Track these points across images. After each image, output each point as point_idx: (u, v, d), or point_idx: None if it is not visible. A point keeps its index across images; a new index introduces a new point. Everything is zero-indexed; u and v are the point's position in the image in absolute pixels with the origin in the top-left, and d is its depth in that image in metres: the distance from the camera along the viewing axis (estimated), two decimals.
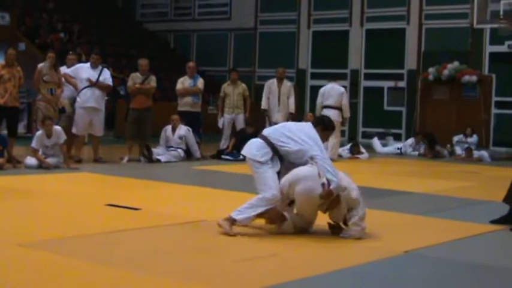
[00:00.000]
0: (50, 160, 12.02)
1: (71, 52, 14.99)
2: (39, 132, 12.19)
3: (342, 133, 22.20)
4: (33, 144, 12.05)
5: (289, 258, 6.02)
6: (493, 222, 7.55)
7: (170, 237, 6.86)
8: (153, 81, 14.07)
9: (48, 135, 12.06)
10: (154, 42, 28.24)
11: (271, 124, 15.77)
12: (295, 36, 25.28)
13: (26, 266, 5.47)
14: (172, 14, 29.20)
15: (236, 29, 26.81)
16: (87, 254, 5.90)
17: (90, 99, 13.24)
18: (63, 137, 12.19)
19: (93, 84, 13.25)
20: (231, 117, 15.84)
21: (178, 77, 15.70)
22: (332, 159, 15.19)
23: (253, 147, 6.94)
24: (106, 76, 13.54)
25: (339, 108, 15.56)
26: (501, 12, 17.21)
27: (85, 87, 13.26)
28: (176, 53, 28.03)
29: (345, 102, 15.65)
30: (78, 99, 13.30)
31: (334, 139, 15.17)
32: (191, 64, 15.62)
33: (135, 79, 14.02)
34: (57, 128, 12.23)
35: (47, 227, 7.02)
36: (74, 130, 13.28)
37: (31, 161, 11.94)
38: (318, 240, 6.68)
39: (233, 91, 15.88)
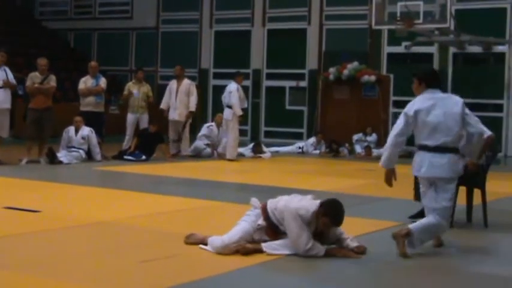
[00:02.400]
0: None
1: None
2: None
3: (244, 132, 22.46)
4: None
5: (190, 258, 6.03)
6: (411, 217, 7.80)
7: (71, 239, 6.77)
8: (52, 81, 13.83)
9: None
10: (54, 41, 27.71)
11: (170, 122, 15.80)
12: (197, 35, 25.29)
13: None
14: (73, 12, 28.73)
15: (138, 28, 26.60)
16: None
17: (4, 101, 12.85)
18: None
19: (7, 85, 12.87)
20: (135, 116, 15.73)
21: (79, 76, 15.48)
22: (231, 159, 15.24)
23: None
24: (11, 75, 13.21)
25: (231, 107, 15.68)
26: (398, 14, 17.69)
27: None
28: (77, 52, 27.59)
29: (234, 101, 15.63)
30: None
31: (231, 138, 15.38)
32: (93, 64, 15.43)
33: (34, 79, 13.74)
34: None
35: None
36: None
37: None
38: None
39: (138, 90, 15.79)
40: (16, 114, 13.51)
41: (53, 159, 13.33)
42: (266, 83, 24.08)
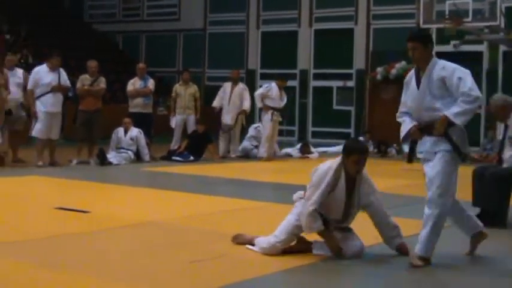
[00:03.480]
0: None
1: (9, 53, 14.75)
2: None
3: (292, 133, 22.47)
4: None
5: (237, 259, 6.04)
6: None
7: (120, 240, 6.84)
8: (102, 83, 14.00)
9: None
10: (103, 44, 28.01)
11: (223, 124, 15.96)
12: (244, 36, 25.33)
13: None
14: (121, 15, 29.02)
15: (185, 30, 26.76)
16: (35, 258, 5.85)
17: (53, 104, 13.04)
18: None
19: (59, 89, 13.07)
20: (182, 117, 15.86)
21: (128, 78, 15.63)
22: (263, 158, 15.20)
23: None
24: (65, 78, 13.36)
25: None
26: (446, 12, 17.49)
27: (47, 92, 13.01)
28: (125, 54, 27.86)
29: (252, 95, 16.08)
30: (38, 103, 13.00)
31: (263, 137, 15.57)
32: (141, 65, 15.58)
33: (84, 81, 13.92)
34: None
35: None
36: (34, 134, 13.06)
37: None
38: None
39: (185, 91, 15.90)
40: (66, 116, 13.68)
41: (102, 160, 13.48)
42: (313, 83, 24.02)
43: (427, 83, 6.01)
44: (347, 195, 6.07)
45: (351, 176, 6.09)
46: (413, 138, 6.21)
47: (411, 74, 6.26)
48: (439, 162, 5.86)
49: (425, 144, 6.01)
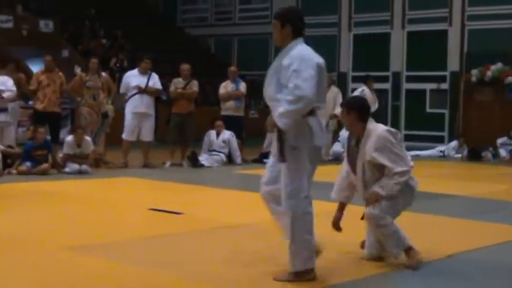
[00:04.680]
0: (83, 167, 12.10)
1: (93, 56, 15.08)
2: (69, 139, 12.32)
3: None
4: (65, 150, 12.19)
5: (334, 261, 5.99)
6: None
7: (211, 241, 6.88)
8: (195, 86, 14.16)
9: (78, 144, 12.18)
10: (195, 47, 28.37)
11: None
12: (336, 39, 25.22)
13: (74, 270, 5.54)
14: (213, 18, 29.33)
15: None
16: (131, 258, 5.96)
17: (139, 105, 13.33)
18: (91, 148, 12.35)
19: (142, 91, 13.33)
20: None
21: (220, 81, 15.76)
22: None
23: None
24: (155, 80, 13.62)
25: None
26: None
27: (134, 94, 13.34)
28: (217, 58, 28.13)
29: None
30: (127, 105, 13.40)
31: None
32: (233, 68, 15.68)
33: (176, 84, 14.12)
34: (87, 138, 12.36)
35: (92, 231, 7.10)
36: (123, 135, 13.42)
37: (71, 167, 12.06)
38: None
39: None
40: (160, 119, 13.92)
41: (194, 163, 13.64)
42: (406, 85, 23.72)
43: (275, 68, 5.22)
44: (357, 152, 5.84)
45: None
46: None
47: None
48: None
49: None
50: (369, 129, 5.75)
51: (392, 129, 5.87)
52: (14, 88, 12.71)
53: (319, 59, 5.30)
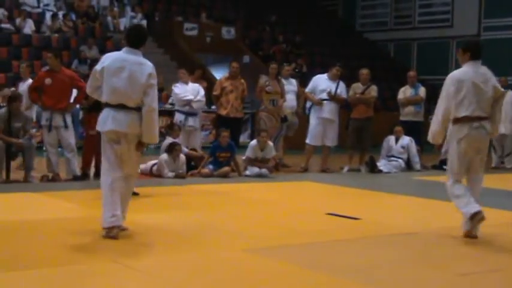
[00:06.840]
0: (263, 170, 12.34)
1: (285, 64, 15.33)
2: (253, 143, 12.60)
3: None
4: (248, 153, 12.46)
5: None
6: None
7: (389, 247, 6.82)
8: (373, 91, 14.09)
9: (262, 148, 12.42)
10: (375, 52, 28.24)
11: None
12: None
13: (251, 271, 5.69)
14: (393, 23, 29.08)
15: (458, 37, 26.15)
16: (309, 262, 6.02)
17: (326, 111, 13.49)
18: (273, 153, 12.55)
19: (332, 97, 13.48)
20: None
21: (399, 86, 15.59)
22: None
23: None
24: (342, 89, 13.74)
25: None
26: None
27: (323, 100, 13.50)
28: (396, 62, 27.85)
29: None
30: (312, 111, 13.60)
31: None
32: (412, 73, 15.45)
33: (355, 89, 14.12)
34: (270, 143, 12.58)
35: (270, 234, 7.24)
36: (307, 140, 13.61)
37: (252, 170, 12.34)
38: None
39: None
40: (339, 124, 13.98)
41: (373, 168, 13.57)
42: None
43: None
44: None
45: None
46: None
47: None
48: None
49: None
50: None
51: None
52: (204, 99, 13.24)
53: None
